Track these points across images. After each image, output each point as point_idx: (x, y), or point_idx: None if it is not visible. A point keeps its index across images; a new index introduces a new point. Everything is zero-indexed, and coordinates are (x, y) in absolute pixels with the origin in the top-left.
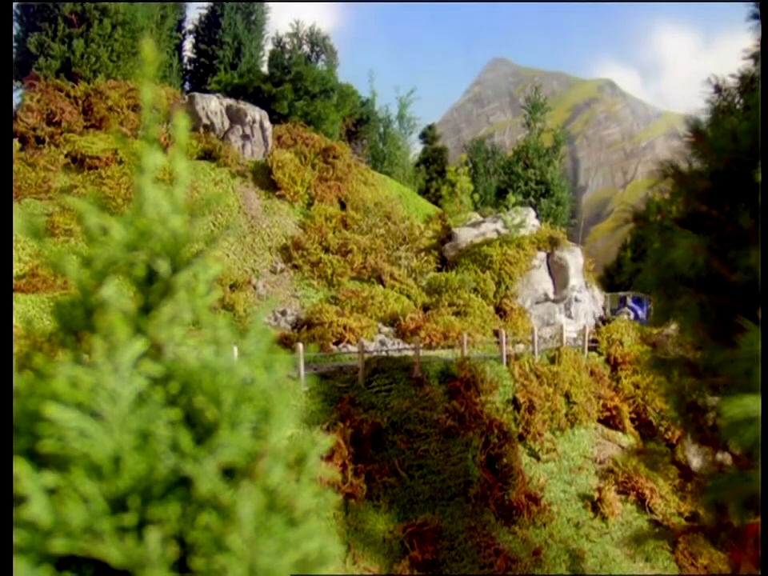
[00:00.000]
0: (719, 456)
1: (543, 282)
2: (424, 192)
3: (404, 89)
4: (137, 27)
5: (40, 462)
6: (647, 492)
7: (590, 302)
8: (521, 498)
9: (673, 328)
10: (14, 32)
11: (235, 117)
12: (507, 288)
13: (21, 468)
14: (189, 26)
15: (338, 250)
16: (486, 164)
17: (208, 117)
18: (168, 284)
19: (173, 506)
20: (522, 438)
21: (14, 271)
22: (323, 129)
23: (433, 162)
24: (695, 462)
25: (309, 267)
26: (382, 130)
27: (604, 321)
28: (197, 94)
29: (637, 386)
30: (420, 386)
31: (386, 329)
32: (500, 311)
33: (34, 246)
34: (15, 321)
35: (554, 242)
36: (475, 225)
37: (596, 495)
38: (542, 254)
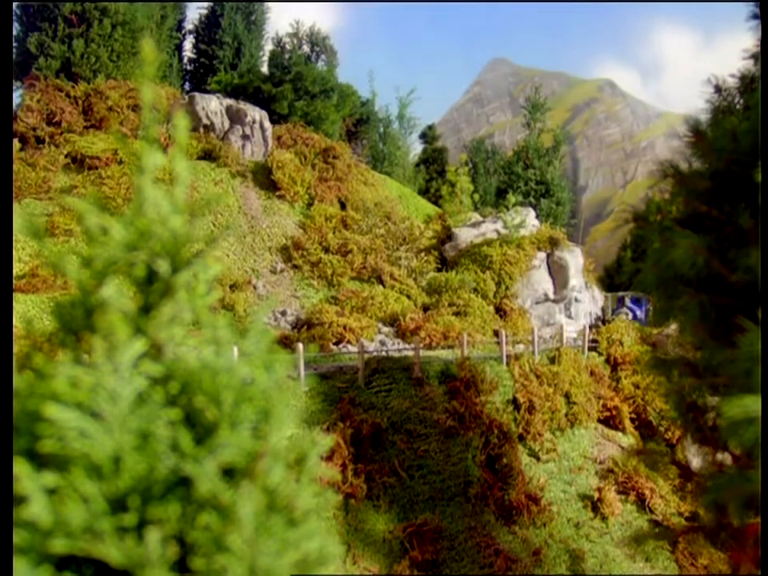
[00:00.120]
0: (719, 456)
1: (543, 282)
2: (424, 192)
3: (404, 89)
4: (137, 27)
5: (40, 462)
6: (647, 492)
7: (590, 302)
8: (521, 498)
9: (673, 328)
10: (14, 32)
11: (235, 117)
12: (507, 288)
13: (21, 468)
14: (189, 25)
15: (338, 250)
16: (486, 164)
17: (208, 117)
18: (168, 284)
19: (173, 506)
20: (521, 438)
21: (14, 271)
22: (323, 129)
23: (433, 162)
24: (695, 462)
25: (309, 267)
26: (382, 130)
27: (604, 321)
28: (197, 94)
29: (637, 386)
30: (420, 386)
31: (386, 329)
32: (500, 311)
33: (34, 246)
34: (15, 321)
35: (553, 242)
36: (475, 225)
37: (596, 495)
38: (541, 254)
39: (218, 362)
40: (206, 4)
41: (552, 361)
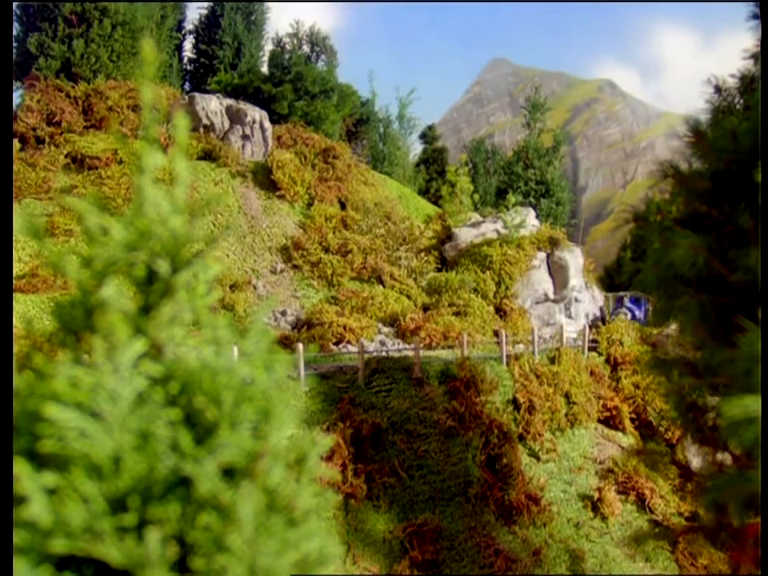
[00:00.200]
0: (719, 456)
1: (543, 282)
2: (424, 192)
3: (404, 89)
4: (137, 27)
5: (40, 461)
6: (647, 492)
7: (590, 302)
8: (521, 498)
9: (673, 328)
10: (14, 32)
11: (235, 117)
12: (507, 288)
13: (21, 468)
14: (189, 26)
15: (338, 250)
16: (486, 164)
17: (208, 117)
18: (168, 284)
19: (173, 506)
20: (522, 438)
21: (14, 271)
22: (323, 129)
23: (433, 162)
24: (695, 462)
25: (309, 267)
26: (381, 130)
27: (603, 321)
28: (197, 94)
29: (637, 386)
30: (420, 387)
31: (386, 329)
32: (500, 311)
33: (34, 246)
34: (15, 321)
35: (554, 242)
36: (475, 225)
37: (596, 495)
38: (542, 254)
39: (218, 362)
40: (206, 4)
41: (552, 361)
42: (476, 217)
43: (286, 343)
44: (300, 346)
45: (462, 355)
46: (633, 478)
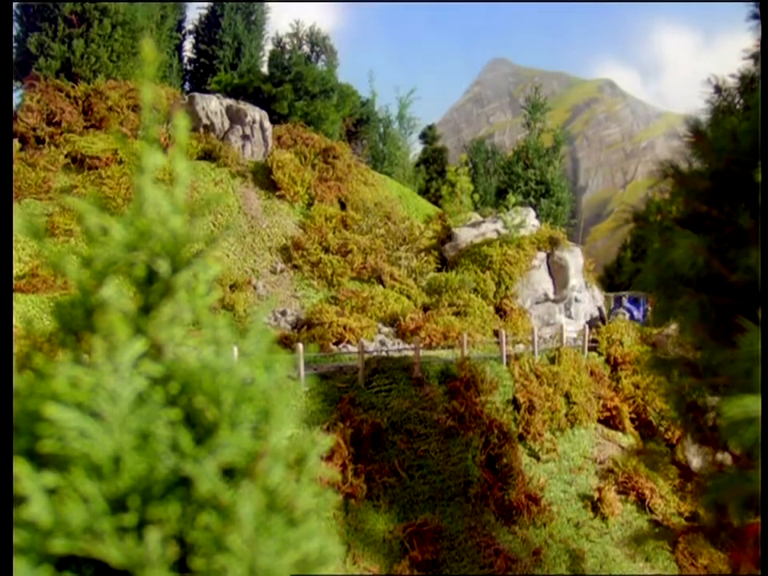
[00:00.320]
0: (719, 456)
1: (543, 282)
2: (424, 192)
3: (404, 89)
4: (137, 27)
5: (40, 461)
6: (647, 492)
7: (590, 302)
8: (521, 497)
9: (673, 328)
10: (14, 32)
11: (235, 117)
12: (507, 288)
13: (21, 468)
14: (189, 26)
15: (338, 250)
16: (486, 164)
17: (208, 117)
18: (168, 284)
19: (173, 506)
20: (522, 438)
21: (14, 271)
22: (323, 129)
23: (433, 162)
24: (695, 462)
25: (309, 267)
26: (381, 130)
27: (603, 320)
28: (197, 94)
29: (637, 386)
30: (420, 386)
31: (386, 329)
32: (500, 311)
33: (34, 246)
34: (15, 321)
35: (554, 242)
36: (475, 225)
37: (596, 495)
38: (541, 254)
39: (218, 362)
40: (205, 4)
41: (552, 361)
42: (476, 217)
43: (286, 343)
44: (300, 345)
45: (462, 355)
46: (633, 478)
